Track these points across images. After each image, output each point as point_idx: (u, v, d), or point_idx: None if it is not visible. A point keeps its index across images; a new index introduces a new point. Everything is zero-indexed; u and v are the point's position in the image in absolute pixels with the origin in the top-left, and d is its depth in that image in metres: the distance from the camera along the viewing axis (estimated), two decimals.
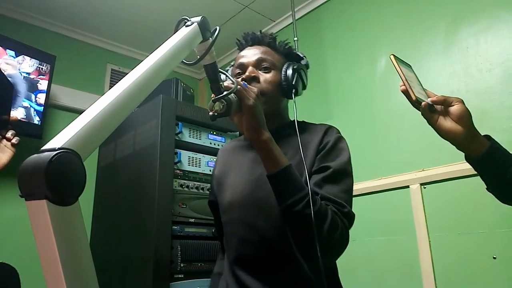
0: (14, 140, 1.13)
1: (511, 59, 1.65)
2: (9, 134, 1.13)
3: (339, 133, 1.06)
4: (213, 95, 0.83)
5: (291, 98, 1.06)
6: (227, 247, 1.06)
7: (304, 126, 1.07)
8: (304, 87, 1.11)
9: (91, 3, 2.57)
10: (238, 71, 1.07)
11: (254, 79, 1.02)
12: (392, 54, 0.87)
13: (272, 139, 0.86)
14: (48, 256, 0.40)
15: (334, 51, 2.44)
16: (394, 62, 0.85)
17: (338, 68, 2.39)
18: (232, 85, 0.82)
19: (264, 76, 1.04)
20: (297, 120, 1.01)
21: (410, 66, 0.92)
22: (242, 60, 1.07)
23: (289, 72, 1.05)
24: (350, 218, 0.92)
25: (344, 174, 0.96)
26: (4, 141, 1.13)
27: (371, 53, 2.21)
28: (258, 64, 1.05)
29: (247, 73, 1.02)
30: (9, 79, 1.12)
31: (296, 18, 2.64)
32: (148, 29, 2.86)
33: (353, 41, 2.33)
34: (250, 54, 1.07)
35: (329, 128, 1.05)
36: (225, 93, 0.80)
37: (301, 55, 1.14)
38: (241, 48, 1.12)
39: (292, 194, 0.83)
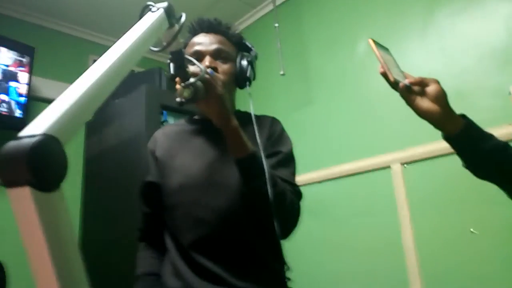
0: None
1: (486, 40, 1.69)
2: None
3: (281, 123, 1.15)
4: (178, 80, 0.83)
5: (243, 88, 1.09)
6: (176, 232, 1.03)
7: (250, 117, 1.06)
8: (254, 78, 1.12)
9: None
10: (194, 58, 1.03)
11: (214, 70, 1.01)
12: (371, 38, 0.89)
13: (239, 126, 0.89)
14: (34, 245, 0.39)
15: (314, 36, 2.45)
16: (372, 46, 0.87)
17: (318, 53, 2.41)
18: (200, 72, 0.82)
19: (222, 67, 1.05)
20: (244, 111, 1.08)
21: (388, 49, 0.94)
22: (199, 48, 1.05)
23: (244, 63, 1.07)
24: (300, 195, 1.03)
25: (292, 158, 1.08)
26: None
27: (350, 37, 2.24)
28: (216, 54, 1.05)
29: (207, 63, 1.02)
30: None
31: (276, 5, 2.65)
32: (130, 19, 2.79)
33: (332, 26, 2.35)
34: (207, 42, 1.06)
35: (273, 119, 1.15)
36: (193, 79, 0.81)
37: (250, 46, 1.14)
38: (193, 33, 1.10)
39: (260, 176, 0.88)
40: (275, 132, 1.09)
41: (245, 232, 0.98)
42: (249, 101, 1.01)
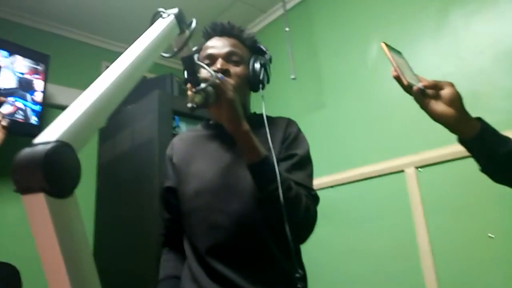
0: (4, 122, 1.09)
1: (501, 40, 1.67)
2: None
3: (298, 126, 1.13)
4: (189, 85, 0.84)
5: (257, 91, 1.08)
6: (193, 236, 1.04)
7: (267, 119, 1.07)
8: (268, 81, 1.12)
9: (83, 1, 2.57)
10: (207, 61, 1.06)
11: (225, 72, 1.02)
12: (383, 42, 0.88)
13: (250, 131, 0.89)
14: (48, 250, 0.39)
15: (326, 40, 2.45)
16: (385, 50, 0.87)
17: (330, 56, 2.40)
18: (210, 77, 0.83)
19: (234, 70, 1.05)
20: (258, 113, 1.07)
21: (401, 53, 0.93)
22: (211, 51, 1.06)
23: (257, 66, 1.07)
24: (317, 199, 1.01)
25: (308, 161, 1.05)
26: None
27: (362, 40, 2.22)
28: (228, 57, 1.05)
29: (219, 66, 1.02)
30: None
31: (286, 9, 2.65)
32: (140, 25, 2.85)
33: (344, 29, 2.34)
34: (220, 46, 1.07)
35: (290, 121, 1.12)
36: (204, 85, 0.81)
37: (265, 49, 1.14)
38: (207, 37, 1.11)
39: (272, 181, 0.87)
40: (290, 134, 1.06)
41: (261, 238, 0.97)
42: (262, 104, 1.01)
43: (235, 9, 2.77)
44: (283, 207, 0.85)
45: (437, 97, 0.82)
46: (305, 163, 1.03)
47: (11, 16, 2.60)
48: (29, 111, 2.34)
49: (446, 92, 0.81)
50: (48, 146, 0.38)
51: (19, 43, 2.36)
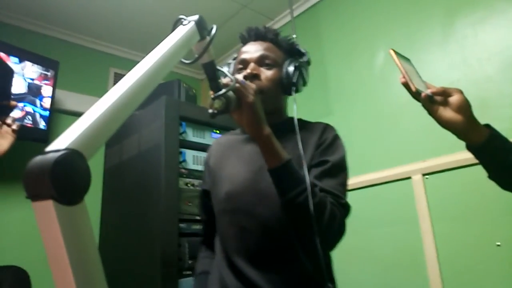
0: (14, 126, 1.11)
1: (509, 47, 1.66)
2: (9, 120, 1.10)
3: (336, 131, 1.10)
4: (211, 92, 0.84)
5: (291, 95, 1.07)
6: (223, 237, 1.05)
7: (303, 124, 1.07)
8: (304, 84, 1.11)
9: (92, 8, 2.60)
10: (240, 66, 1.08)
11: (255, 77, 1.03)
12: (392, 49, 0.88)
13: (272, 134, 0.88)
14: (56, 256, 0.40)
15: (333, 47, 2.45)
16: (393, 57, 0.87)
17: (337, 63, 2.40)
18: (231, 83, 0.83)
19: (266, 73, 1.04)
20: (299, 118, 1.03)
21: (409, 60, 0.94)
22: (244, 56, 1.07)
23: (290, 69, 1.05)
24: (346, 209, 0.97)
25: (341, 168, 1.01)
26: (5, 127, 1.10)
27: (369, 47, 2.23)
28: (260, 61, 1.05)
29: (248, 70, 1.03)
30: (8, 64, 1.11)
31: (294, 16, 2.66)
32: (149, 31, 2.89)
33: (351, 36, 2.35)
34: (253, 50, 1.07)
35: (327, 126, 1.09)
36: (223, 90, 0.81)
37: (303, 51, 1.13)
38: (244, 42, 1.12)
39: (293, 187, 0.86)
40: (326, 140, 1.03)
41: (288, 243, 0.96)
42: (294, 108, 1.00)
43: (242, 16, 2.79)
44: (305, 214, 0.84)
45: (445, 103, 0.82)
46: (337, 171, 0.99)
47: (22, 23, 2.64)
48: (37, 116, 2.36)
49: (454, 98, 0.81)
50: (58, 154, 0.39)
51: (29, 49, 2.40)
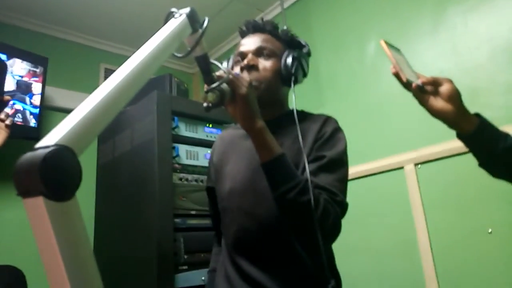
0: (8, 121, 1.10)
1: (499, 35, 1.67)
2: (2, 115, 1.09)
3: (337, 123, 1.07)
4: (205, 86, 0.82)
5: (290, 86, 1.05)
6: (226, 234, 1.06)
7: (303, 116, 1.06)
8: (304, 75, 1.11)
9: (81, 3, 2.57)
10: (238, 58, 1.07)
11: (252, 67, 1.02)
12: (382, 40, 0.88)
13: (266, 128, 0.87)
14: (48, 253, 0.39)
15: (323, 38, 2.45)
16: (384, 47, 0.87)
17: (327, 54, 2.40)
18: (224, 75, 0.82)
19: (264, 64, 1.04)
20: (296, 109, 1.02)
21: (400, 50, 0.94)
22: (242, 49, 1.07)
23: (289, 60, 1.04)
24: (342, 206, 0.93)
25: (340, 164, 0.97)
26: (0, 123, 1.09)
27: (360, 37, 2.22)
28: (258, 52, 1.05)
29: (245, 62, 1.02)
30: (0, 59, 1.10)
31: (284, 8, 2.65)
32: (139, 26, 2.86)
33: (341, 27, 2.35)
34: (251, 42, 1.07)
35: (327, 119, 1.06)
36: (217, 83, 0.80)
37: (303, 43, 1.13)
38: (242, 36, 1.12)
39: (284, 183, 0.84)
40: (325, 134, 1.00)
41: (287, 241, 0.95)
42: (293, 99, 0.99)
43: (232, 7, 2.77)
44: (297, 210, 0.83)
45: (436, 93, 0.83)
46: (335, 166, 0.96)
47: (9, 19, 2.60)
48: (27, 114, 2.34)
49: (444, 88, 0.82)
50: (47, 150, 0.38)
51: (17, 46, 2.37)
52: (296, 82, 1.06)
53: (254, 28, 1.10)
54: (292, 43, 1.12)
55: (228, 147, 1.14)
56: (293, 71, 1.03)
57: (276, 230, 0.96)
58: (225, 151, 1.14)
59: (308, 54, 1.12)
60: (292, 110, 1.02)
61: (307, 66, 1.10)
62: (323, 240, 0.87)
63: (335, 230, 0.90)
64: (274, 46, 1.07)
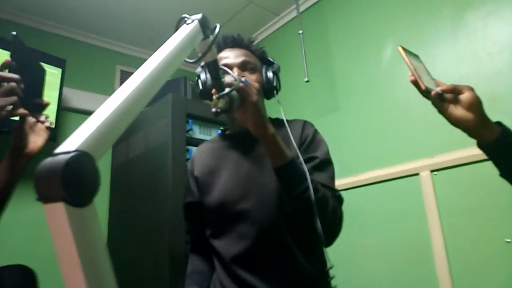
0: (47, 124, 1.14)
1: None
2: (42, 117, 1.13)
3: (314, 126, 1.14)
4: (214, 90, 0.85)
5: (270, 98, 1.13)
6: (221, 245, 1.05)
7: (281, 123, 1.08)
8: (279, 88, 1.16)
9: (98, 6, 2.60)
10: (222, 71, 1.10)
11: None
12: (400, 46, 0.87)
13: (277, 133, 0.90)
14: (67, 258, 0.40)
15: (339, 42, 2.44)
16: (402, 53, 0.86)
17: (343, 59, 2.39)
18: (234, 82, 0.84)
19: (250, 77, 1.07)
20: (273, 118, 1.11)
21: (418, 56, 0.92)
22: (226, 61, 1.09)
23: (270, 74, 1.11)
24: (341, 200, 1.01)
25: (329, 162, 1.06)
26: (39, 124, 1.12)
27: (376, 42, 2.21)
28: (243, 66, 1.09)
29: (235, 74, 1.04)
30: (40, 64, 1.15)
31: (300, 11, 2.65)
32: (154, 29, 2.89)
33: (358, 32, 2.33)
34: (234, 56, 1.10)
35: (305, 122, 1.13)
36: (228, 89, 0.82)
37: (272, 60, 1.18)
38: (219, 50, 1.14)
39: (300, 183, 0.88)
40: (308, 136, 1.07)
41: (285, 244, 0.98)
42: (276, 110, 1.03)
43: (248, 11, 2.78)
44: (315, 208, 0.86)
45: (456, 101, 0.81)
46: (326, 165, 1.04)
47: (28, 21, 2.65)
48: None
49: (465, 96, 0.80)
50: (68, 156, 0.39)
51: (36, 47, 2.41)
52: (277, 94, 1.12)
53: (233, 42, 1.14)
54: (264, 60, 1.17)
55: (211, 160, 1.14)
56: (275, 84, 1.11)
57: (273, 233, 0.98)
58: (208, 164, 1.14)
59: (279, 70, 1.18)
60: (273, 118, 1.13)
61: (280, 81, 1.16)
62: (334, 233, 0.95)
63: (341, 222, 0.98)
64: (255, 61, 1.13)
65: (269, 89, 1.10)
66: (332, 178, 1.03)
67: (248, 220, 1.00)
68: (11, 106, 0.95)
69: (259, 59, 1.16)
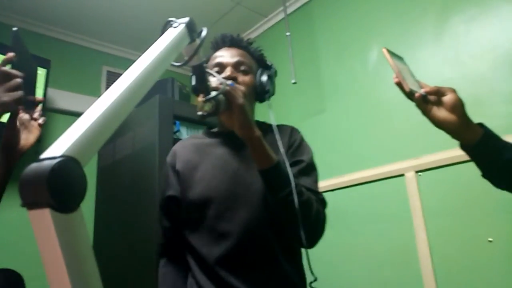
0: (40, 121, 1.12)
1: (501, 45, 1.67)
2: (36, 114, 1.11)
3: (300, 133, 1.16)
4: (201, 95, 0.85)
5: (262, 102, 1.12)
6: (201, 246, 1.02)
7: (269, 127, 1.08)
8: (273, 93, 1.14)
9: (84, 6, 2.58)
10: (216, 69, 1.07)
11: (234, 80, 1.03)
12: (385, 48, 0.88)
13: (262, 136, 0.90)
14: (53, 264, 0.39)
15: (326, 44, 2.45)
16: (386, 56, 0.87)
17: (330, 60, 2.41)
18: (221, 86, 0.84)
19: (243, 78, 1.06)
20: (261, 121, 1.11)
21: (403, 58, 0.94)
22: (220, 60, 1.08)
23: (264, 77, 1.10)
24: (325, 204, 1.03)
25: (314, 167, 1.08)
26: (32, 121, 1.11)
27: (362, 44, 2.23)
28: (237, 66, 1.07)
29: (228, 73, 1.04)
30: (32, 59, 1.13)
31: (287, 13, 2.66)
32: (141, 29, 2.87)
33: (344, 34, 2.35)
34: (229, 55, 1.09)
35: (293, 128, 1.14)
36: (215, 93, 0.82)
37: (270, 64, 1.17)
38: (216, 48, 1.13)
39: (285, 186, 0.89)
40: (295, 141, 1.09)
41: (268, 245, 0.98)
42: (265, 113, 1.03)
43: (235, 13, 2.78)
44: (298, 211, 0.87)
45: (439, 103, 0.82)
46: (311, 169, 1.06)
47: (12, 21, 2.61)
48: None
49: (448, 98, 0.81)
50: (54, 162, 0.38)
51: None
52: (268, 98, 1.11)
53: (231, 42, 1.12)
54: (261, 62, 1.16)
55: (195, 156, 1.11)
56: (267, 88, 1.09)
57: (256, 233, 0.98)
58: (192, 159, 1.10)
59: (275, 74, 1.17)
60: (260, 122, 1.12)
61: (274, 85, 1.16)
62: (317, 236, 0.97)
63: (325, 224, 0.99)
64: (250, 62, 1.11)
65: (261, 92, 1.09)
66: (316, 182, 1.05)
67: (232, 219, 0.98)
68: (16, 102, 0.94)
69: (256, 61, 1.14)
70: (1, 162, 1.04)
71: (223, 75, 1.04)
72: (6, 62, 0.95)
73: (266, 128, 1.04)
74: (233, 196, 1.00)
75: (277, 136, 0.98)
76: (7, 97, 0.91)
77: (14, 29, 0.98)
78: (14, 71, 0.94)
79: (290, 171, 0.91)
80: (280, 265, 0.98)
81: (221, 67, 1.07)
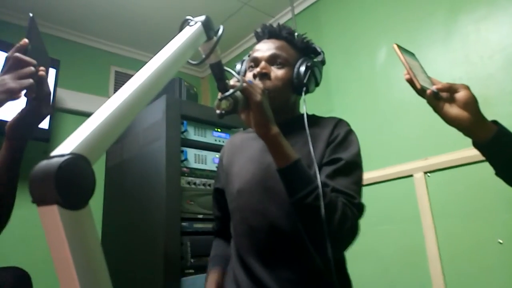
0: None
1: (511, 45, 1.65)
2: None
3: (349, 126, 1.08)
4: (219, 93, 0.83)
5: (301, 95, 1.05)
6: (236, 236, 1.06)
7: (314, 120, 1.07)
8: (317, 84, 1.10)
9: (93, 7, 2.60)
10: (251, 64, 1.07)
11: (265, 75, 1.02)
12: (395, 44, 0.87)
13: (280, 134, 0.87)
14: (62, 260, 0.40)
15: (334, 44, 2.44)
16: (397, 51, 0.85)
17: (338, 60, 2.40)
18: (237, 83, 0.82)
19: (276, 73, 1.04)
20: (306, 115, 1.00)
21: (414, 54, 0.91)
22: (256, 54, 1.07)
23: (302, 69, 1.03)
24: (360, 208, 0.94)
25: (355, 166, 0.97)
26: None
27: (370, 44, 2.22)
28: (271, 60, 1.05)
29: (258, 69, 1.02)
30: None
31: (295, 13, 2.66)
32: (150, 30, 2.89)
33: (352, 33, 2.34)
34: (265, 48, 1.06)
35: (339, 121, 1.07)
36: (230, 91, 0.81)
37: (319, 50, 1.12)
38: (258, 40, 1.12)
39: (302, 188, 0.84)
40: (337, 136, 1.01)
41: (298, 241, 0.93)
42: (304, 108, 1.00)
43: (243, 13, 2.78)
44: (317, 214, 0.81)
45: (451, 100, 0.81)
46: (351, 169, 0.96)
47: (22, 22, 2.63)
48: None
49: (461, 95, 0.80)
50: (62, 159, 0.39)
51: None
52: (307, 91, 1.05)
53: (269, 33, 1.10)
54: (307, 50, 1.12)
55: (237, 150, 1.16)
56: (305, 81, 1.03)
57: (285, 228, 0.96)
58: (234, 154, 1.16)
59: (323, 62, 1.12)
60: (302, 115, 1.01)
61: (320, 75, 1.10)
62: (342, 243, 0.88)
63: (353, 233, 0.90)
64: (288, 54, 1.06)
65: (297, 85, 1.04)
66: (356, 183, 0.95)
67: (262, 214, 0.98)
68: (25, 90, 0.90)
69: (299, 51, 1.09)
70: (11, 146, 1.00)
71: (254, 70, 1.03)
72: (20, 48, 0.91)
73: (313, 121, 1.03)
74: (264, 190, 0.99)
75: (308, 133, 0.92)
76: (15, 83, 0.87)
77: (30, 14, 0.95)
78: (28, 58, 0.90)
79: (317, 170, 0.85)
80: (310, 261, 0.94)
81: (256, 62, 1.06)
